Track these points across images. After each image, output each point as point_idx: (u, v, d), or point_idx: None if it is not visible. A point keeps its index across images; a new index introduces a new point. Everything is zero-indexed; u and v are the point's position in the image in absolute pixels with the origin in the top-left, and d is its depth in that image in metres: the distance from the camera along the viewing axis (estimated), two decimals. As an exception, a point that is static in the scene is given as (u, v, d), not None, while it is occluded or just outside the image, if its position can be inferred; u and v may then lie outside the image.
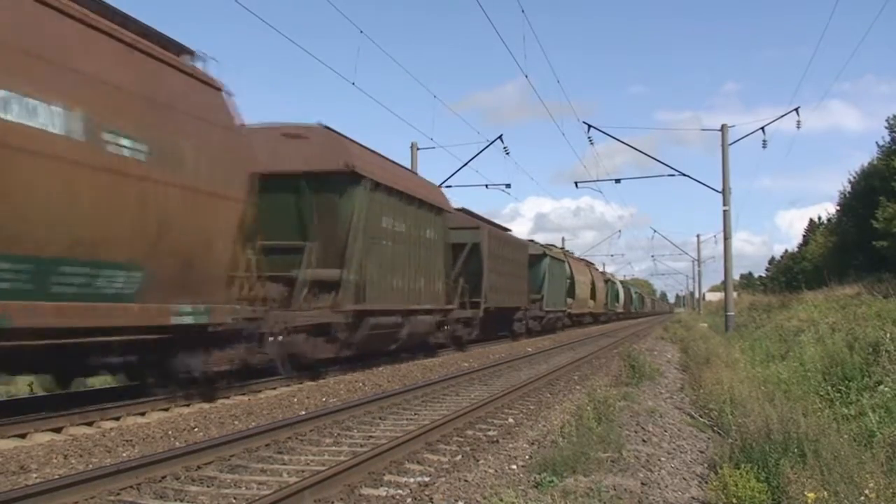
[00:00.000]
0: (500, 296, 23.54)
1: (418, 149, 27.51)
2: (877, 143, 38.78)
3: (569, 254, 41.90)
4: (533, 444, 7.08)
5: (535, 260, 30.26)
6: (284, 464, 6.35)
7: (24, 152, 6.40)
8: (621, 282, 69.70)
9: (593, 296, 44.50)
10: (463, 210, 23.10)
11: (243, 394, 10.64)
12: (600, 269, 59.20)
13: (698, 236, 74.05)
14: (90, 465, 6.15)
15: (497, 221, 28.32)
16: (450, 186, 28.87)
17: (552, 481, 5.31)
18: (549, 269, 31.18)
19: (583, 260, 47.95)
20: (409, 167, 27.63)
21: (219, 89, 9.60)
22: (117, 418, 8.42)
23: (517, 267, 26.40)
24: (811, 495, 4.50)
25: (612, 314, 56.79)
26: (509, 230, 27.92)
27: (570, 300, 36.63)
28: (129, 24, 8.12)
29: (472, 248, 21.11)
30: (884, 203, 31.19)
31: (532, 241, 32.12)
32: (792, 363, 13.93)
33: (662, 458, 6.52)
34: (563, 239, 55.75)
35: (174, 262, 8.30)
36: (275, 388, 11.34)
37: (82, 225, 7.07)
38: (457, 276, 20.11)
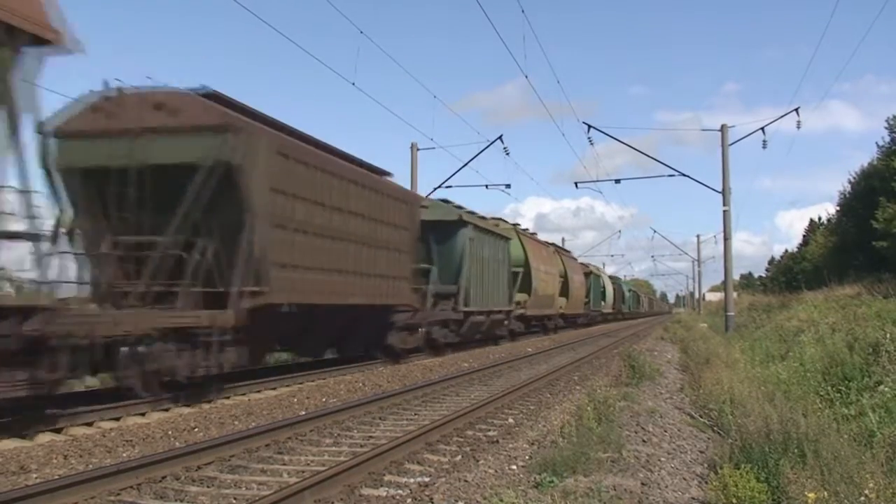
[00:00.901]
0: (333, 281, 12.41)
1: (418, 149, 27.52)
2: (877, 143, 38.75)
3: (525, 233, 28.94)
4: (533, 444, 7.08)
5: (444, 230, 19.30)
6: (284, 464, 6.36)
7: None
8: (611, 277, 60.05)
9: (566, 292, 34.10)
10: (209, 95, 10.50)
11: (243, 394, 10.64)
12: (583, 261, 47.82)
13: (698, 236, 74.12)
14: (90, 466, 6.16)
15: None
16: (450, 187, 28.69)
17: (552, 481, 5.31)
18: (474, 249, 20.16)
19: (551, 244, 35.70)
20: (410, 167, 27.56)
21: None
22: (117, 418, 8.43)
23: (388, 235, 14.79)
24: (811, 495, 4.50)
25: (595, 316, 46.34)
26: (389, 175, 16.17)
27: (523, 297, 26.26)
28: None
29: (222, 174, 9.83)
30: (884, 203, 31.17)
31: (446, 201, 21.35)
32: (792, 363, 13.94)
33: (662, 459, 6.52)
34: (562, 239, 55.40)
35: None
36: (275, 389, 11.34)
37: None
38: (184, 234, 9.77)
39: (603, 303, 49.26)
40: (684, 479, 5.93)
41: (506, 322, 24.55)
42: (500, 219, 26.84)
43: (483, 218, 23.37)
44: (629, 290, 72.23)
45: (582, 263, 45.35)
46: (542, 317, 30.68)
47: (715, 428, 8.25)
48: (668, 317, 78.31)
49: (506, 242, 24.41)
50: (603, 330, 39.76)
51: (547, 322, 32.34)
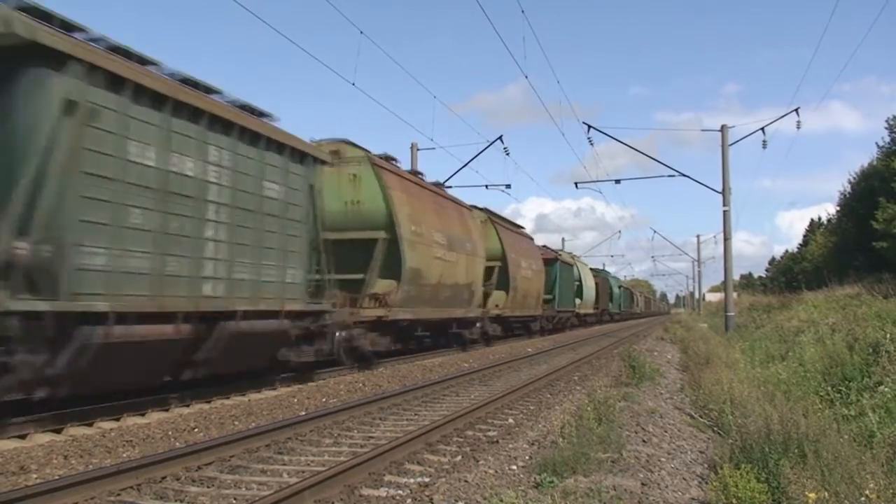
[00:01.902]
0: None
1: (418, 149, 27.52)
2: (877, 143, 38.85)
3: (406, 173, 17.11)
4: (533, 444, 7.07)
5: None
6: (284, 464, 6.35)
7: None
8: (595, 269, 48.77)
9: (505, 284, 23.58)
10: None
11: (243, 394, 10.64)
12: (552, 247, 36.18)
13: (698, 237, 74.21)
14: (90, 466, 6.15)
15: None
16: (450, 187, 28.59)
17: (552, 482, 5.31)
18: (115, 142, 7.59)
19: (479, 208, 23.54)
20: (410, 167, 27.48)
21: None
22: (117, 418, 8.42)
23: None
24: (812, 496, 4.50)
25: (565, 318, 35.15)
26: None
27: (386, 286, 14.91)
28: None
29: None
30: (883, 204, 31.19)
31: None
32: (792, 364, 13.95)
33: (662, 459, 6.51)
34: (563, 239, 55.17)
35: None
36: (275, 389, 11.34)
37: None
38: None
39: (578, 301, 37.87)
40: (684, 479, 5.93)
41: (295, 335, 11.41)
42: (353, 143, 15.24)
43: (193, 85, 9.18)
44: (619, 287, 59.47)
45: (544, 246, 33.71)
46: (443, 322, 18.17)
47: (715, 428, 8.25)
48: (666, 318, 77.61)
49: (310, 168, 11.65)
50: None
51: (466, 332, 20.08)
